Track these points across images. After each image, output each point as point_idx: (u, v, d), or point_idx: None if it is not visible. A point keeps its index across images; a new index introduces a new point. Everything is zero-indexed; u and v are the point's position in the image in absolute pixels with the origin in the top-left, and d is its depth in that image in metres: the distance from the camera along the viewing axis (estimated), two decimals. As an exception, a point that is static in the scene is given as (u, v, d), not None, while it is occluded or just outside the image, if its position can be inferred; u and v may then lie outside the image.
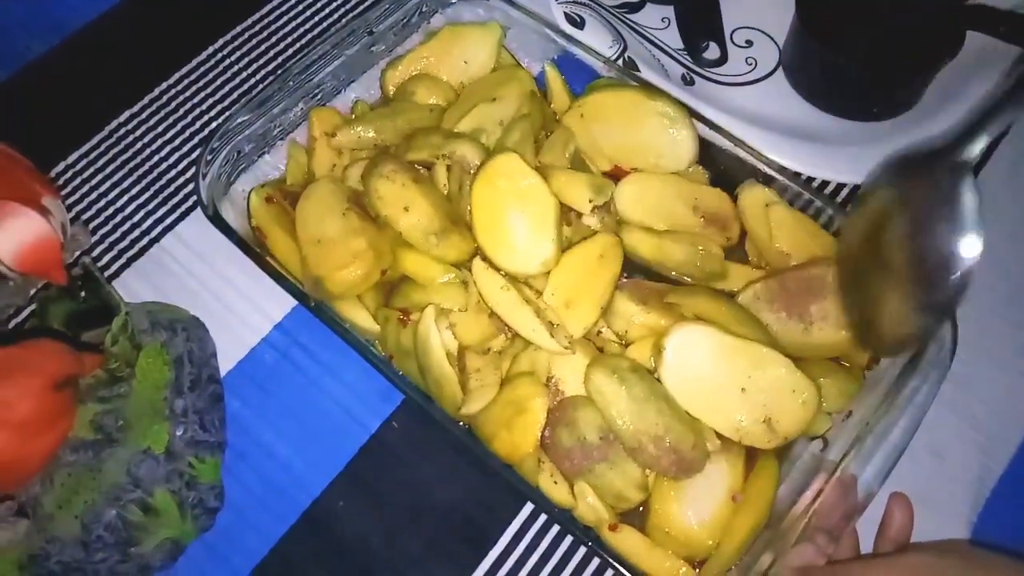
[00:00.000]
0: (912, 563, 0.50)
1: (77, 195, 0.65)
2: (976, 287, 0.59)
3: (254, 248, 0.54)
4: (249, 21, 0.73)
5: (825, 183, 0.65)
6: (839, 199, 0.65)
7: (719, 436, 0.50)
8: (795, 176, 0.58)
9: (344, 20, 0.74)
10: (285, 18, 0.73)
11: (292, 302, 0.59)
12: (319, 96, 0.62)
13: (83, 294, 0.54)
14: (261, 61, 0.71)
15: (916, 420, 0.49)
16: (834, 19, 0.64)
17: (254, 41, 0.72)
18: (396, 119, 0.60)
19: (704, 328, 0.50)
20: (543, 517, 0.54)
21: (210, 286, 0.61)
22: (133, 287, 0.61)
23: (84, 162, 0.66)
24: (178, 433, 0.52)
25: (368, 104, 0.63)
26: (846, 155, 0.63)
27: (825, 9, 0.65)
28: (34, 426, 0.45)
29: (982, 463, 0.56)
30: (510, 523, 0.54)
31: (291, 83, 0.60)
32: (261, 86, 0.70)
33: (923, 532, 0.53)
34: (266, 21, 0.73)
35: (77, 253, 0.58)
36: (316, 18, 0.74)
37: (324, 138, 0.60)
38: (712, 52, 0.69)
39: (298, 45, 0.72)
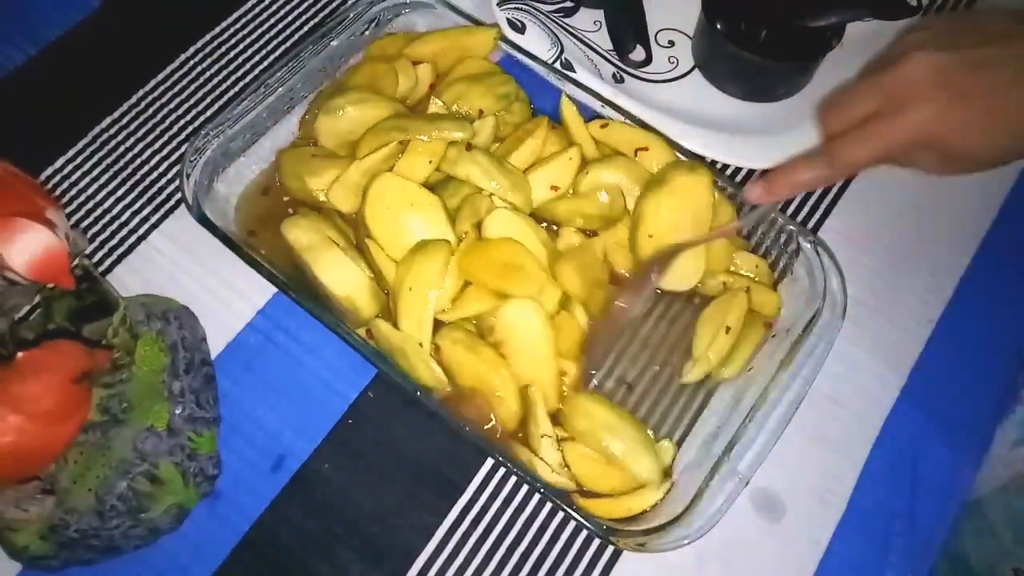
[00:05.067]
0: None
1: (67, 198, 0.65)
2: (862, 255, 0.64)
3: (237, 243, 0.55)
4: (218, 28, 0.73)
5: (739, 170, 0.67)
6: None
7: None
8: (711, 165, 0.61)
9: (311, 23, 0.73)
10: (252, 24, 0.73)
11: (272, 289, 0.60)
12: (291, 100, 0.63)
13: (83, 291, 0.54)
14: (232, 67, 0.71)
15: (814, 371, 0.54)
16: (735, 15, 0.66)
17: (224, 48, 0.72)
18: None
19: None
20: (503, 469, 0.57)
21: (196, 277, 0.62)
22: (125, 281, 0.61)
23: (71, 167, 0.66)
24: (177, 411, 0.53)
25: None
26: (761, 143, 0.65)
27: (727, 7, 0.67)
28: (57, 416, 0.46)
29: (870, 405, 0.60)
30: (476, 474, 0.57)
31: (263, 89, 0.60)
32: (235, 90, 0.70)
33: (818, 466, 0.57)
34: (234, 29, 0.73)
35: (77, 257, 0.58)
36: (282, 23, 0.74)
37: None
38: (638, 54, 0.71)
39: (268, 49, 0.72)
